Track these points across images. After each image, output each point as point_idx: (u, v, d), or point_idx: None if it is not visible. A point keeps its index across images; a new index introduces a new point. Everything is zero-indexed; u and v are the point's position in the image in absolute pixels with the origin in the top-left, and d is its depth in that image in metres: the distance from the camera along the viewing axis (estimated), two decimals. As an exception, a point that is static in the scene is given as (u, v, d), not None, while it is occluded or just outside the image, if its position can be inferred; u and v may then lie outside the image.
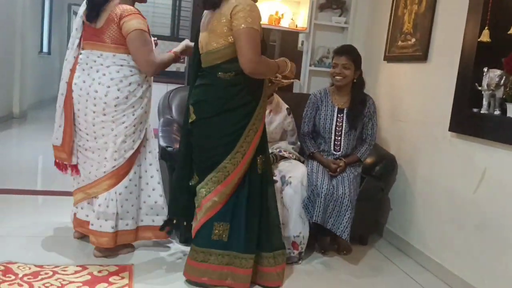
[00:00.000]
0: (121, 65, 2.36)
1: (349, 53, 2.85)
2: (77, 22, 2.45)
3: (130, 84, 2.37)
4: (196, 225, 2.31)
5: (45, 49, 8.98)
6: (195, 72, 2.34)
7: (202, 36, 2.25)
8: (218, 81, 2.19)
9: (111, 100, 2.34)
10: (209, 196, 2.24)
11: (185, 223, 2.44)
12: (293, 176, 2.66)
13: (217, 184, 2.22)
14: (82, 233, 2.60)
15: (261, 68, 2.16)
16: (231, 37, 2.11)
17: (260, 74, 2.20)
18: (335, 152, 2.89)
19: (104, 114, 2.36)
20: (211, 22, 2.16)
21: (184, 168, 2.40)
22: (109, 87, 2.33)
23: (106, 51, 2.36)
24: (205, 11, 2.29)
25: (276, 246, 2.35)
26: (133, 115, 2.40)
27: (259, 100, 2.26)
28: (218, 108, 2.19)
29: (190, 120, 2.29)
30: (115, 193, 2.40)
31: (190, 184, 2.36)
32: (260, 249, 2.30)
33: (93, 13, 2.34)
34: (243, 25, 2.05)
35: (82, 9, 2.42)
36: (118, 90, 2.35)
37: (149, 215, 2.55)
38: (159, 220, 2.53)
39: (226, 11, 2.10)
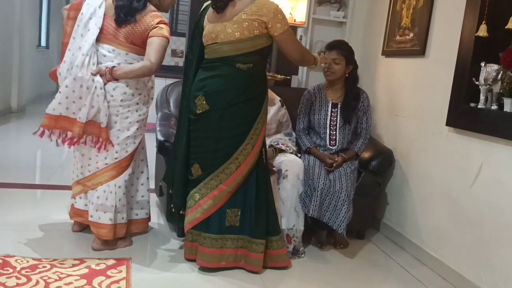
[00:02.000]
0: (131, 64, 2.39)
1: (339, 48, 2.86)
2: (99, 20, 2.37)
3: (137, 82, 2.42)
4: (191, 220, 2.36)
5: (43, 43, 8.94)
6: (196, 65, 2.39)
7: (216, 27, 2.29)
8: (237, 71, 2.28)
9: (118, 95, 2.37)
10: (205, 199, 2.33)
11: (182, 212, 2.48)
12: (290, 170, 2.67)
13: (229, 175, 2.30)
14: (82, 222, 2.61)
15: (308, 55, 2.50)
16: (257, 30, 2.22)
17: (308, 62, 2.52)
18: (331, 147, 2.91)
19: (108, 108, 2.37)
20: (238, 14, 2.22)
21: (187, 160, 2.43)
22: (118, 81, 2.36)
23: (119, 48, 2.39)
24: (208, 4, 2.37)
25: (279, 229, 2.49)
26: (137, 112, 2.44)
27: (266, 93, 2.39)
28: (234, 98, 2.28)
29: (199, 111, 2.32)
30: (115, 185, 2.42)
31: (192, 178, 2.40)
32: (269, 234, 2.40)
33: (131, 20, 2.36)
34: (285, 27, 2.26)
35: (100, 6, 2.39)
36: (127, 86, 2.38)
37: (133, 209, 2.60)
38: (142, 214, 2.63)
39: (256, 9, 2.20)
